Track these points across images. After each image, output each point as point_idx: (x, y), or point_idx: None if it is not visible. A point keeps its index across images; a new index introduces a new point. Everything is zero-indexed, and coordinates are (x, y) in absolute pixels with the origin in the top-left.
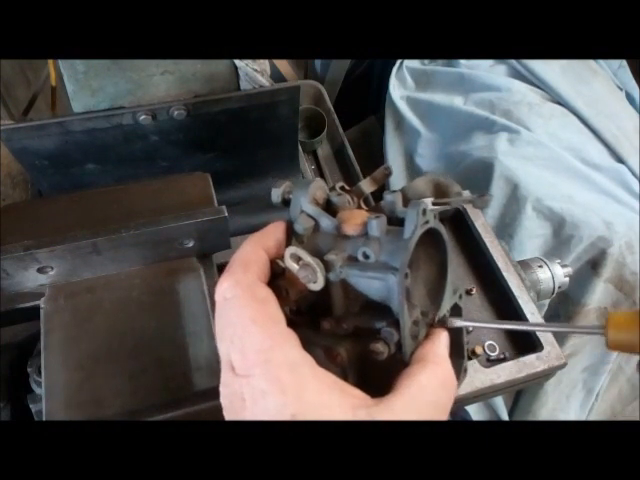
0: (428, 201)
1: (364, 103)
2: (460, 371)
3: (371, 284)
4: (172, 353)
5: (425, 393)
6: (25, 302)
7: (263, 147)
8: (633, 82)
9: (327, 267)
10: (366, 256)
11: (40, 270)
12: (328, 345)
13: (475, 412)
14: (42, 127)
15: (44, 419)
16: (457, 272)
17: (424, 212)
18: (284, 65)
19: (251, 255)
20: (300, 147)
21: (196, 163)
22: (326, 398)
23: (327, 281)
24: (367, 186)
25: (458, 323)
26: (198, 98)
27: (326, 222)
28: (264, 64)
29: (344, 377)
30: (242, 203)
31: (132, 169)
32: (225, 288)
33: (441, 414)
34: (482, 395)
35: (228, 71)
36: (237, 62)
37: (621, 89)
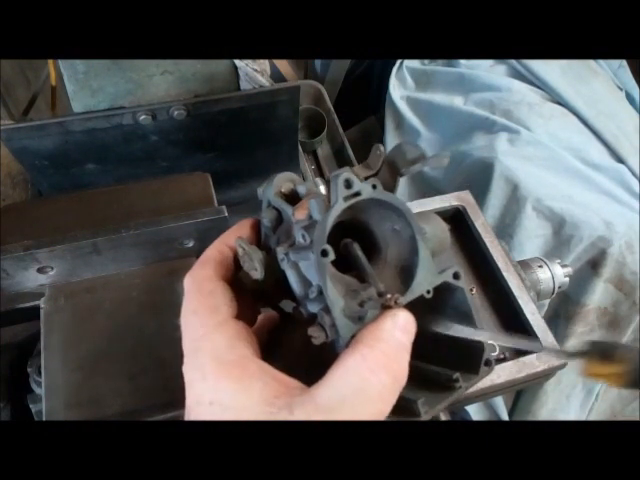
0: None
1: (364, 103)
2: (479, 363)
3: (310, 266)
4: (172, 353)
5: (349, 379)
6: (25, 302)
7: (263, 147)
8: (633, 82)
9: (276, 255)
10: (304, 238)
11: (40, 270)
12: (286, 335)
13: (475, 412)
14: (42, 127)
15: (44, 419)
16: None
17: (347, 183)
18: (284, 65)
19: (211, 252)
20: (300, 147)
21: (196, 163)
22: (246, 386)
23: (276, 269)
24: (361, 171)
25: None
26: (198, 98)
27: (286, 212)
28: (264, 64)
29: (297, 365)
30: (242, 203)
31: (132, 169)
32: (184, 284)
33: (372, 402)
34: (482, 395)
35: (228, 71)
36: (237, 62)
37: (621, 89)
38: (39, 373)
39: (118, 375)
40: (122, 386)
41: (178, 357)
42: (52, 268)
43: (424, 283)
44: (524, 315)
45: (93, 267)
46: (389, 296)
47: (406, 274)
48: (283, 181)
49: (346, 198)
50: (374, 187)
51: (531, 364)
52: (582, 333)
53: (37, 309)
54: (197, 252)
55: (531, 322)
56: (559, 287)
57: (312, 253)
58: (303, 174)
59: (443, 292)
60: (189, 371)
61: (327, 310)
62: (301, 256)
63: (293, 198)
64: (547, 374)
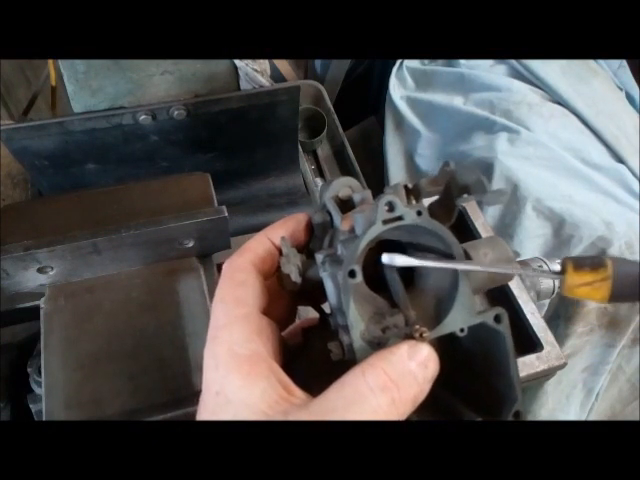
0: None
1: (364, 103)
2: (509, 413)
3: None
4: (172, 353)
5: (344, 391)
6: (25, 302)
7: (263, 147)
8: (633, 82)
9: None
10: (342, 251)
11: (40, 270)
12: (316, 340)
13: None
14: (42, 127)
15: (44, 419)
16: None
17: (390, 206)
18: (284, 65)
19: (252, 243)
20: (300, 147)
21: (196, 163)
22: (250, 383)
23: (317, 273)
24: (426, 185)
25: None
26: (198, 98)
27: (336, 219)
28: (264, 64)
29: (317, 375)
30: (242, 203)
31: (132, 169)
32: (222, 269)
33: (363, 418)
34: None
35: (228, 71)
36: (237, 62)
37: (621, 89)
38: (39, 373)
39: (118, 375)
40: (122, 386)
41: (178, 357)
42: (52, 268)
43: (458, 320)
44: (524, 315)
45: (93, 267)
46: (416, 327)
47: (442, 307)
48: (341, 186)
49: (385, 221)
50: (419, 213)
51: (531, 364)
52: (582, 333)
53: (37, 309)
54: (197, 252)
55: (531, 322)
56: (559, 287)
57: (339, 269)
58: (303, 174)
59: (481, 331)
60: (206, 357)
61: (347, 330)
62: (338, 267)
63: (347, 205)
64: (547, 374)
